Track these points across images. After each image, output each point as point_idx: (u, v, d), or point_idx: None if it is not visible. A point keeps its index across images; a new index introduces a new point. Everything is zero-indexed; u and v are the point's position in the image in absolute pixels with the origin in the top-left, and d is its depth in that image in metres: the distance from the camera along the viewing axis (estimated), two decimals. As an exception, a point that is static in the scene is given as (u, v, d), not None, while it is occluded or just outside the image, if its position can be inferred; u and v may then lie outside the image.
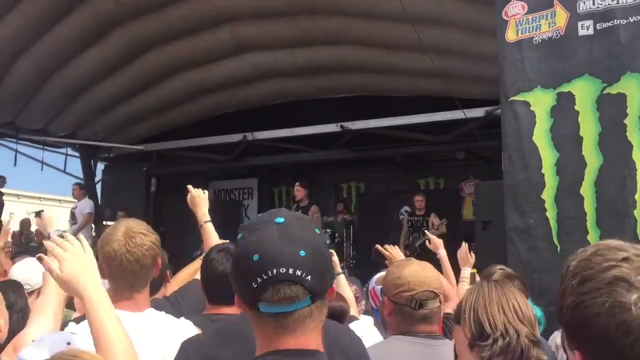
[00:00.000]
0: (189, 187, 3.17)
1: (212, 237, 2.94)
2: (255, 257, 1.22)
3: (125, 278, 2.14)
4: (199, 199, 3.11)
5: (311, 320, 1.26)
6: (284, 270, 1.20)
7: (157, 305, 2.81)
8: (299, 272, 1.21)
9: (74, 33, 8.52)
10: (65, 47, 8.76)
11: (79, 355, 0.83)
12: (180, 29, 8.84)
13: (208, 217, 3.04)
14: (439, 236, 4.65)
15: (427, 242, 4.60)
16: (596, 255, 1.04)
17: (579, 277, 1.03)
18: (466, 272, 4.12)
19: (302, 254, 1.22)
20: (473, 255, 4.33)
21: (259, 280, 1.21)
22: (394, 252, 3.61)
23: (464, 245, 4.34)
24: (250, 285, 1.22)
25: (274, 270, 1.20)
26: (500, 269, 3.55)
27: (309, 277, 1.22)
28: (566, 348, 1.12)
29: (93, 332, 1.60)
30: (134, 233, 2.16)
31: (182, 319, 2.27)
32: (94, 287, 1.65)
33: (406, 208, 9.91)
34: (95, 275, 1.69)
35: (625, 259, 1.00)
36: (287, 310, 1.23)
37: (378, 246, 3.85)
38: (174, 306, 2.84)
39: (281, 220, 1.27)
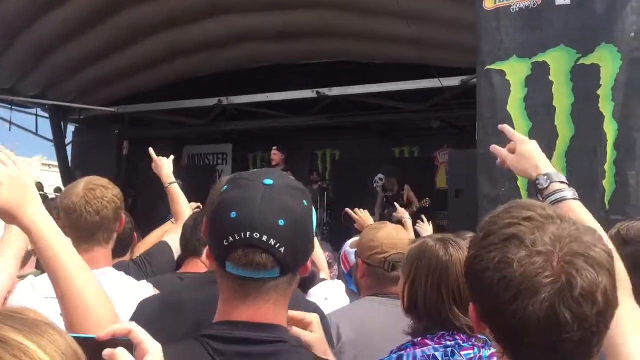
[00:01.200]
0: (150, 151, 3.12)
1: (178, 198, 2.91)
2: (233, 214, 1.17)
3: (85, 230, 2.13)
4: (161, 162, 3.06)
5: (275, 292, 1.20)
6: (258, 235, 1.15)
7: (122, 268, 2.77)
8: (272, 242, 1.16)
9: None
10: (34, 5, 8.48)
11: (21, 312, 0.78)
12: (154, -12, 8.61)
13: (172, 179, 3.02)
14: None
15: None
16: (505, 212, 1.07)
17: (484, 232, 1.06)
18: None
19: (280, 223, 1.16)
20: (430, 224, 4.52)
21: (231, 239, 1.16)
22: (363, 215, 3.64)
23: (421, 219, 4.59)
24: (221, 242, 1.18)
25: (247, 233, 1.15)
26: (470, 237, 3.59)
27: (283, 249, 1.16)
28: None
29: (50, 275, 1.33)
30: (95, 186, 2.16)
31: (143, 282, 2.24)
32: (42, 215, 1.33)
33: (380, 176, 9.93)
34: (39, 200, 1.34)
35: (527, 218, 1.02)
36: (253, 276, 1.18)
37: (348, 210, 3.87)
38: (141, 269, 2.81)
39: (270, 182, 1.20)
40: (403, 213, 4.40)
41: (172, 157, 3.18)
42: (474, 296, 1.07)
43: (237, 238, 1.16)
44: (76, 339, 0.80)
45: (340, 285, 3.22)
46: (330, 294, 3.09)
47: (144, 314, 1.65)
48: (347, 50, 9.82)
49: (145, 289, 2.17)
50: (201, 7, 9.08)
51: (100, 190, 2.16)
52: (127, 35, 9.61)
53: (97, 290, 1.35)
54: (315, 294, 3.09)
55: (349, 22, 8.98)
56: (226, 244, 1.17)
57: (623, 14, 5.13)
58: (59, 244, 1.34)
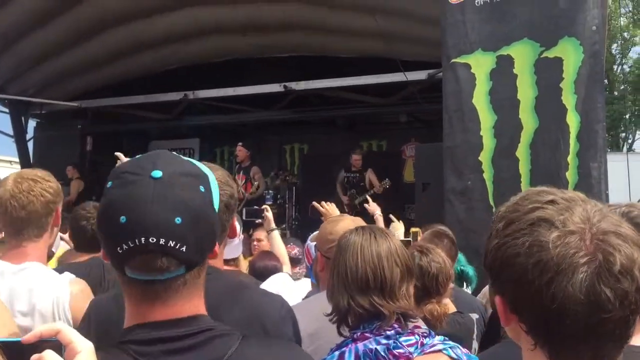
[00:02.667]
0: (118, 155, 3.01)
1: None
2: (123, 218, 1.06)
3: (12, 225, 2.05)
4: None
5: (185, 288, 1.12)
6: (154, 239, 1.05)
7: (96, 263, 2.71)
8: (172, 243, 1.06)
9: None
10: (-9, -5, 8.23)
11: None
12: (116, -20, 8.43)
13: None
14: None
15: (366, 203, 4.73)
16: (524, 199, 1.04)
17: (505, 220, 1.02)
18: (397, 235, 4.30)
19: (177, 221, 1.06)
20: (400, 222, 4.51)
21: (125, 247, 1.06)
22: (330, 208, 3.63)
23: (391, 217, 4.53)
24: (115, 249, 1.07)
25: (142, 239, 1.05)
26: (440, 228, 3.61)
27: (184, 248, 1.07)
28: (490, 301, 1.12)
29: None
30: (22, 179, 2.05)
31: (66, 273, 2.17)
32: None
33: (351, 155, 9.93)
34: None
35: (550, 202, 1.00)
36: (157, 278, 1.09)
37: (315, 203, 3.85)
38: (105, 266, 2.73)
39: (159, 174, 1.08)
40: (375, 209, 4.38)
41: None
42: (501, 287, 1.02)
43: (132, 245, 1.05)
44: (1, 343, 0.76)
45: (289, 278, 3.19)
46: (281, 285, 3.05)
47: (101, 315, 1.57)
48: (313, 44, 9.78)
49: (62, 282, 2.08)
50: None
51: (28, 184, 2.04)
52: (90, 27, 9.39)
53: None
54: (267, 287, 3.05)
55: (314, 15, 8.95)
56: (120, 251, 1.07)
57: (585, 7, 5.21)
58: None
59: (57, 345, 0.90)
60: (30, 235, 2.07)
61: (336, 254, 1.81)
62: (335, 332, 1.82)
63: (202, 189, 1.13)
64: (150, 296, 1.11)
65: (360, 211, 8.52)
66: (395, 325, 1.71)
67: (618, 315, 0.93)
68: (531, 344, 1.00)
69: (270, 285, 3.00)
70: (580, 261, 0.93)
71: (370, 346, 1.67)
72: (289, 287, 2.93)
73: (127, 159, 2.97)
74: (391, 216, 4.51)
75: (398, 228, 4.33)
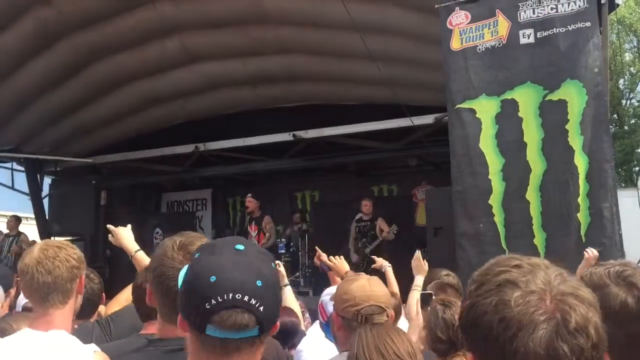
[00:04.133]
0: (109, 227, 3.03)
1: (145, 264, 2.83)
2: (213, 278, 1.21)
3: (38, 291, 2.10)
4: (118, 232, 2.96)
5: (251, 351, 1.25)
6: (240, 296, 1.20)
7: (86, 330, 2.71)
8: (253, 301, 1.21)
9: (16, 44, 8.25)
10: (7, 59, 8.48)
11: None
12: (127, 40, 8.67)
13: (136, 247, 2.89)
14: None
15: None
16: (494, 264, 1.12)
17: (477, 283, 1.11)
18: (419, 279, 4.07)
19: (258, 284, 1.23)
20: (426, 262, 4.31)
21: (213, 302, 1.19)
22: (338, 262, 3.62)
23: (418, 253, 4.27)
24: (203, 306, 1.20)
25: (230, 295, 1.20)
26: (446, 275, 3.59)
27: (262, 308, 1.22)
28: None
29: None
30: (48, 247, 2.14)
31: (92, 345, 2.20)
32: None
33: (360, 215, 9.96)
34: None
35: (516, 266, 1.08)
36: (234, 337, 1.21)
37: (323, 259, 3.85)
38: (104, 329, 2.73)
39: (241, 247, 1.28)
40: (382, 262, 4.37)
41: (129, 225, 3.06)
42: (472, 344, 1.10)
43: (220, 300, 1.19)
44: None
45: (315, 334, 3.16)
46: (319, 346, 3.02)
47: None
48: (320, 93, 9.94)
49: (87, 354, 2.09)
50: (173, 56, 9.16)
51: (53, 250, 2.13)
52: (101, 86, 9.64)
53: None
54: (303, 349, 3.01)
55: (320, 66, 9.12)
56: (208, 307, 1.19)
57: (585, 50, 5.29)
58: None
59: None
60: (55, 302, 2.11)
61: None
62: None
63: (273, 265, 1.33)
64: (224, 354, 1.23)
65: (370, 260, 8.52)
66: None
67: None
68: None
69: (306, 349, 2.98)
70: (540, 319, 1.00)
71: None
72: (325, 348, 2.91)
73: (121, 227, 2.98)
74: (418, 253, 4.29)
75: (423, 269, 4.15)
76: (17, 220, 11.33)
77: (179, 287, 1.32)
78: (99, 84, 9.58)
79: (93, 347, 2.14)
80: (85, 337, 2.53)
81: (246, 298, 1.20)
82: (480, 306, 1.06)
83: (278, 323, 1.33)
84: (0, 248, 10.87)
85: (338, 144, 10.20)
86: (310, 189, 13.00)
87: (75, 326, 2.82)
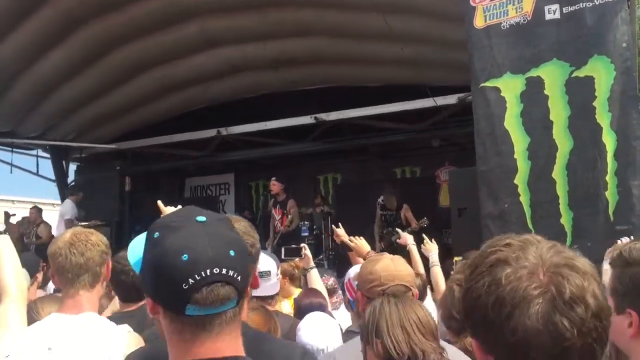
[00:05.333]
0: (159, 204, 3.07)
1: None
2: (185, 256, 1.16)
3: (70, 271, 2.18)
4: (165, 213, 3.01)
5: (233, 322, 1.23)
6: (218, 270, 1.16)
7: (142, 311, 2.75)
8: (231, 272, 1.18)
9: (38, 32, 8.33)
10: (30, 48, 8.57)
11: None
12: (147, 25, 8.70)
13: None
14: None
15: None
16: (486, 246, 1.09)
17: (471, 267, 1.08)
18: (434, 256, 4.34)
19: (232, 254, 1.20)
20: (433, 242, 4.51)
21: (191, 281, 1.15)
22: (359, 242, 3.63)
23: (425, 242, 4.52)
24: (179, 286, 1.15)
25: (207, 271, 1.15)
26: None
27: (239, 278, 1.20)
28: None
29: None
30: (79, 232, 2.26)
31: (125, 325, 2.25)
32: None
33: (383, 197, 9.90)
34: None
35: (506, 244, 1.05)
36: (216, 312, 1.19)
37: (343, 239, 3.85)
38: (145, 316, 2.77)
39: (203, 219, 1.23)
40: (407, 239, 4.37)
41: (179, 207, 3.10)
42: (473, 329, 1.06)
43: (198, 278, 1.15)
44: None
45: (327, 316, 3.17)
46: (319, 323, 3.02)
47: None
48: (341, 75, 9.88)
49: (120, 334, 2.16)
50: (194, 40, 9.17)
51: (85, 235, 2.24)
52: (123, 72, 9.70)
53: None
54: (303, 326, 3.02)
55: (341, 47, 9.05)
56: (186, 287, 1.15)
57: (613, 24, 5.16)
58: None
59: None
60: (85, 284, 2.20)
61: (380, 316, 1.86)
62: None
63: (235, 229, 1.30)
64: (204, 332, 1.19)
65: (396, 248, 8.48)
66: None
67: (579, 343, 0.95)
68: None
69: (307, 325, 2.99)
70: (534, 293, 0.97)
71: None
72: (327, 326, 2.90)
73: (168, 207, 3.04)
74: (425, 238, 4.48)
75: (431, 250, 4.32)
76: (38, 210, 11.55)
77: (136, 270, 1.28)
78: (120, 71, 9.65)
79: (126, 327, 2.19)
80: (142, 318, 2.59)
81: (224, 271, 1.17)
82: (474, 290, 1.03)
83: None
84: (21, 235, 11.08)
85: (360, 126, 10.15)
86: (333, 171, 12.98)
87: (135, 307, 2.90)
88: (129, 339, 2.15)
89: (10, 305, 2.10)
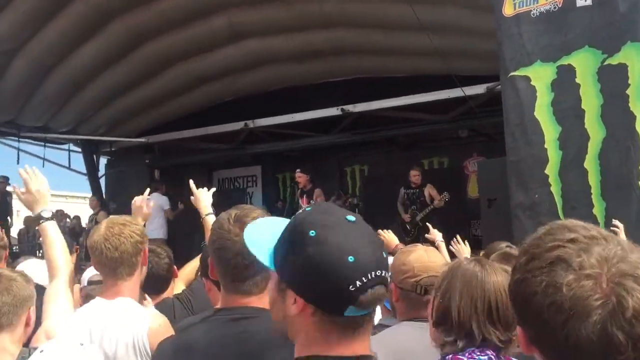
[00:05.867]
0: (191, 183, 3.12)
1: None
2: (351, 258, 1.16)
3: (107, 266, 2.28)
4: (199, 194, 3.07)
5: (371, 319, 1.25)
6: (380, 272, 1.18)
7: (165, 305, 2.82)
8: (388, 274, 1.21)
9: (68, 27, 8.47)
10: (61, 43, 8.72)
11: None
12: (175, 19, 8.77)
13: (209, 210, 2.99)
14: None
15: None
16: (547, 234, 1.05)
17: (527, 255, 1.05)
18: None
19: (384, 255, 1.23)
20: (466, 244, 4.35)
21: (359, 283, 1.15)
22: (387, 236, 3.60)
23: (456, 239, 4.35)
24: (345, 288, 1.15)
25: (373, 273, 1.17)
26: (507, 246, 3.53)
27: (389, 278, 1.23)
28: None
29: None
30: (113, 224, 2.31)
31: (150, 307, 2.32)
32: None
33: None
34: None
35: (571, 240, 1.01)
36: (370, 312, 1.21)
37: None
38: (185, 305, 2.83)
39: (353, 219, 1.22)
40: (435, 235, 4.30)
41: (213, 189, 3.18)
42: (522, 319, 1.06)
43: (365, 280, 1.16)
44: None
45: None
46: None
47: (160, 358, 1.75)
48: (367, 66, 9.84)
49: (144, 317, 2.25)
50: (221, 33, 9.22)
51: (118, 227, 2.30)
52: (152, 66, 9.81)
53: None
54: None
55: (367, 38, 9.01)
56: (352, 288, 1.15)
57: (647, 10, 5.04)
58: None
59: None
60: (123, 274, 2.29)
61: (460, 276, 1.76)
62: None
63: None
64: (356, 332, 1.21)
65: (422, 227, 8.39)
66: (489, 352, 1.69)
67: (632, 356, 0.93)
68: None
69: None
70: (594, 304, 0.94)
71: None
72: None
73: (202, 189, 3.07)
74: (457, 237, 4.39)
75: (464, 251, 4.22)
76: (98, 199, 12.04)
77: (266, 263, 1.26)
78: (149, 65, 9.76)
79: (153, 309, 2.26)
80: (167, 313, 2.65)
81: (384, 273, 1.19)
82: (530, 284, 1.01)
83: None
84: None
85: (387, 117, 10.10)
86: (360, 163, 12.96)
87: (151, 304, 2.95)
88: (152, 322, 2.25)
89: (62, 285, 2.23)
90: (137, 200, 3.10)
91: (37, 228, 2.39)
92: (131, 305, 2.30)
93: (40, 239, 2.43)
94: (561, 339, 0.95)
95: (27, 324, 2.16)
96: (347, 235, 1.19)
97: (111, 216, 2.45)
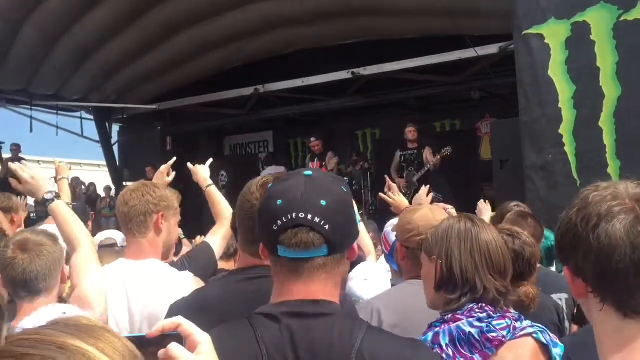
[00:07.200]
0: (188, 165, 3.17)
1: (216, 199, 2.93)
2: (279, 201, 1.27)
3: (120, 220, 2.40)
4: (196, 169, 3.11)
5: (324, 270, 1.28)
6: (303, 215, 1.24)
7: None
8: (317, 219, 1.24)
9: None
10: (67, 10, 8.68)
11: (75, 320, 0.80)
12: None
13: (209, 182, 3.02)
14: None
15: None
16: (595, 190, 1.16)
17: (576, 208, 1.16)
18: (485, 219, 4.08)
19: (322, 203, 1.26)
20: (487, 203, 4.30)
21: (279, 222, 1.25)
22: (398, 199, 3.60)
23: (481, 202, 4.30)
24: (271, 228, 1.26)
25: (293, 214, 1.24)
26: (516, 205, 3.53)
27: (327, 226, 1.25)
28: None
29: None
30: (140, 185, 2.42)
31: (186, 272, 2.37)
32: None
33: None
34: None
35: (596, 187, 1.16)
36: (303, 256, 1.26)
37: (382, 195, 3.84)
38: (180, 270, 2.85)
39: (309, 173, 1.32)
40: (445, 207, 4.29)
41: (209, 161, 3.20)
42: (565, 255, 1.17)
43: (285, 220, 1.25)
44: (128, 338, 0.83)
45: (380, 266, 3.20)
46: (369, 274, 3.09)
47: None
48: (378, 27, 9.70)
49: (186, 280, 2.28)
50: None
51: (138, 187, 2.39)
52: (161, 31, 9.74)
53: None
54: (354, 276, 3.09)
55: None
56: (275, 228, 1.25)
57: (665, -37, 4.90)
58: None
59: (178, 337, 0.97)
60: (133, 231, 2.34)
61: (453, 234, 1.79)
62: (418, 323, 1.83)
63: (343, 188, 1.35)
64: (296, 274, 1.28)
65: (418, 189, 8.30)
66: (487, 309, 1.72)
67: None
68: (598, 304, 1.10)
69: (358, 273, 3.05)
70: (618, 209, 1.08)
71: (464, 328, 1.68)
72: (376, 276, 2.95)
73: (199, 165, 3.10)
74: (481, 199, 4.32)
75: (485, 212, 4.18)
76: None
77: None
78: (157, 30, 9.69)
79: (188, 273, 2.30)
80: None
81: (309, 216, 1.24)
82: (567, 219, 1.14)
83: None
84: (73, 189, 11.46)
85: (398, 80, 10.01)
86: (371, 127, 12.89)
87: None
88: (193, 283, 2.26)
89: (87, 254, 2.21)
90: (162, 168, 3.14)
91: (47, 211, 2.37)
92: (164, 267, 2.36)
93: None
94: (594, 243, 1.07)
95: (62, 281, 2.23)
96: (290, 185, 1.29)
97: (145, 180, 2.55)
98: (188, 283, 2.23)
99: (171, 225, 2.44)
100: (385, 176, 4.00)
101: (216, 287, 1.87)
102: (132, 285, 2.24)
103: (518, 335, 1.69)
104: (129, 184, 2.55)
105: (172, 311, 1.76)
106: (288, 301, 1.28)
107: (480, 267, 1.73)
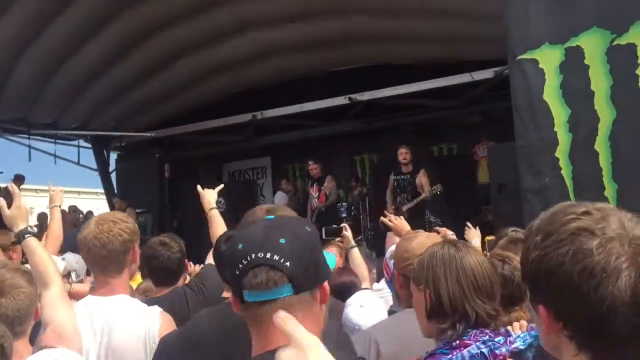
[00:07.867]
0: (198, 188, 3.22)
1: (215, 223, 2.94)
2: (240, 245, 1.25)
3: (96, 263, 2.30)
4: (204, 193, 3.16)
5: (296, 311, 1.18)
6: (262, 254, 1.21)
7: (178, 295, 2.85)
8: (276, 257, 1.21)
9: (73, 25, 8.48)
10: (66, 40, 8.74)
11: None
12: (178, 13, 8.76)
13: (212, 205, 3.07)
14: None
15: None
16: (558, 212, 1.09)
17: (542, 233, 1.07)
18: (475, 243, 4.15)
19: (282, 241, 1.23)
20: (478, 229, 4.40)
21: (240, 266, 1.22)
22: (399, 222, 3.59)
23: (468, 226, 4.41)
24: (234, 273, 1.24)
25: (252, 255, 1.22)
26: (513, 230, 3.53)
27: (288, 263, 1.21)
28: (530, 307, 1.15)
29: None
30: (104, 221, 2.30)
31: (155, 306, 2.35)
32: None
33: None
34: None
35: (585, 212, 1.05)
36: (268, 297, 1.21)
37: (383, 218, 3.84)
38: (198, 293, 2.85)
39: (272, 217, 1.37)
40: (445, 232, 4.30)
41: (219, 187, 3.26)
42: (544, 296, 1.07)
43: (245, 262, 1.22)
44: None
45: (374, 294, 3.19)
46: (365, 301, 3.08)
47: (165, 352, 1.80)
48: (374, 54, 9.79)
49: (154, 314, 2.27)
50: (225, 25, 9.19)
51: (108, 225, 2.29)
52: (158, 60, 9.82)
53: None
54: (351, 303, 3.08)
55: (373, 26, 8.95)
56: (237, 272, 1.23)
57: (656, -12, 4.97)
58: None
59: None
60: (112, 272, 2.30)
61: (438, 262, 1.81)
62: (415, 352, 1.82)
63: (308, 228, 1.32)
64: (267, 321, 1.18)
65: (407, 219, 8.21)
66: (487, 331, 1.74)
67: None
68: (574, 350, 1.03)
69: (355, 300, 3.03)
70: (623, 265, 0.98)
71: (474, 351, 1.70)
72: (372, 303, 2.94)
73: (207, 189, 3.12)
74: (468, 224, 4.39)
75: (473, 237, 4.21)
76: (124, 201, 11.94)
77: None
78: (155, 59, 9.77)
79: (157, 308, 2.28)
80: (180, 301, 2.69)
81: (268, 255, 1.21)
82: (553, 257, 1.03)
83: (326, 286, 1.30)
84: (73, 219, 11.41)
85: (394, 105, 10.06)
86: (369, 152, 12.91)
87: (168, 291, 2.99)
88: (162, 319, 2.27)
89: (59, 291, 2.19)
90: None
91: (21, 244, 2.34)
92: (133, 302, 2.34)
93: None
94: (595, 303, 0.98)
95: (35, 319, 2.19)
96: (252, 229, 1.29)
97: (102, 212, 2.47)
98: (156, 317, 2.25)
99: (137, 250, 2.44)
100: (382, 218, 4.00)
101: (205, 317, 1.87)
102: (101, 322, 2.22)
103: (511, 348, 1.74)
104: (106, 213, 2.52)
105: (165, 345, 1.77)
106: (271, 351, 1.17)
107: (468, 293, 1.74)
